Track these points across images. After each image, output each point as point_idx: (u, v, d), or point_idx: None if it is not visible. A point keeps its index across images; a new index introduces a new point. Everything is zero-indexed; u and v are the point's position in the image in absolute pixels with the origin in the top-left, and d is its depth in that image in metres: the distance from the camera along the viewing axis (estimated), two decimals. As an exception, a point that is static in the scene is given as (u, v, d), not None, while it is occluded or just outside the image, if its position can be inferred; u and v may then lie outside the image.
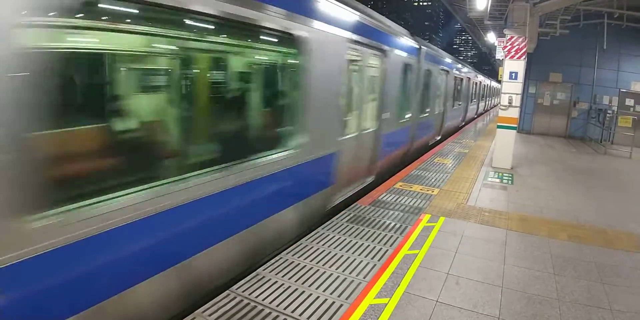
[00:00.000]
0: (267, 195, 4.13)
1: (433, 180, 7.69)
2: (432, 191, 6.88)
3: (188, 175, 3.08)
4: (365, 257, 4.24)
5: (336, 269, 3.94)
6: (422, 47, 9.67)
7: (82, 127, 2.66)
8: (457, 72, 15.18)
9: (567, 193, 7.41)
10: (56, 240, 2.18)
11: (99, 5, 2.53)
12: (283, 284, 3.60)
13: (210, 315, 3.07)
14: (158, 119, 3.25)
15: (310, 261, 4.08)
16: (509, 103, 9.14)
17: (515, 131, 9.34)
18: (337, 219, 5.34)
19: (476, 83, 22.21)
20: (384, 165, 7.85)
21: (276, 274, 3.77)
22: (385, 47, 6.99)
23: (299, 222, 4.87)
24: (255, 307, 3.22)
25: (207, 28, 3.33)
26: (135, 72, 3.10)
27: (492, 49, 21.25)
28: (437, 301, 3.46)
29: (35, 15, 2.03)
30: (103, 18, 2.57)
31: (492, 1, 10.51)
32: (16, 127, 1.99)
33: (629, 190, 8.15)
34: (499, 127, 9.37)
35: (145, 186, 2.77)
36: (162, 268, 2.94)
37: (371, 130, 6.91)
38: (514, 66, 9.07)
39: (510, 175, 8.59)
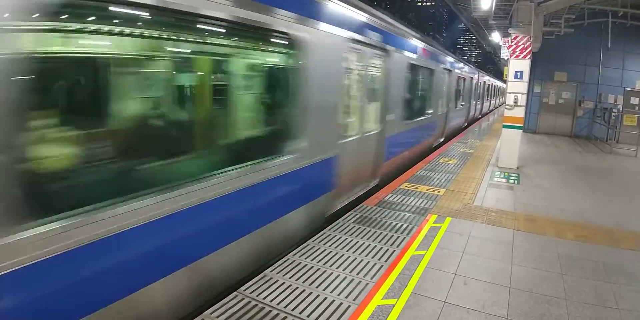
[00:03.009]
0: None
1: (439, 180, 7.69)
2: (438, 191, 6.88)
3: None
4: (372, 257, 4.25)
5: (343, 270, 3.95)
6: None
7: None
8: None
9: (574, 192, 7.39)
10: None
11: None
12: (290, 285, 3.61)
13: (218, 316, 3.09)
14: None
15: (317, 262, 4.09)
16: (515, 102, 9.13)
17: (521, 131, 9.31)
18: (343, 220, 5.35)
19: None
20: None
21: (283, 275, 3.79)
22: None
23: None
24: (263, 308, 3.23)
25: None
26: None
27: (496, 48, 21.23)
28: (444, 302, 3.46)
29: None
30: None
31: (496, 1, 10.50)
32: None
33: (635, 189, 8.11)
34: (504, 126, 9.35)
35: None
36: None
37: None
38: (519, 65, 9.05)
39: (516, 175, 8.57)
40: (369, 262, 4.15)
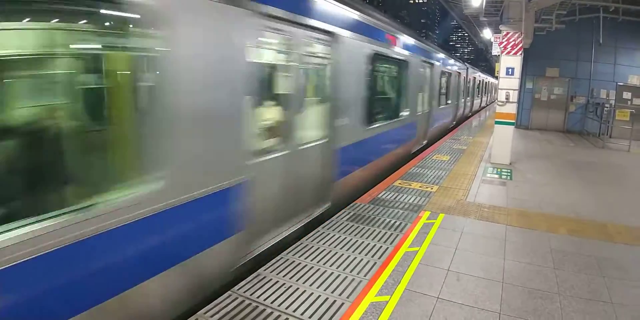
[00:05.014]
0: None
1: (432, 177, 7.70)
2: (431, 188, 6.89)
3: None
4: (366, 255, 4.25)
5: (337, 268, 3.95)
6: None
7: None
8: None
9: (566, 187, 7.42)
10: None
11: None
12: (284, 284, 3.61)
13: (212, 316, 3.08)
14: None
15: (311, 260, 4.09)
16: (506, 99, 9.16)
17: (513, 127, 9.36)
18: (337, 217, 5.34)
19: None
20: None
21: (277, 274, 3.78)
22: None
23: None
24: (257, 307, 3.23)
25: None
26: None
27: (488, 45, 21.28)
28: (438, 298, 3.46)
29: None
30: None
31: (487, -3, 10.54)
32: None
33: (628, 183, 8.16)
34: (496, 123, 9.39)
35: None
36: None
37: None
38: (510, 62, 9.09)
39: (509, 170, 8.60)
40: (362, 259, 4.15)
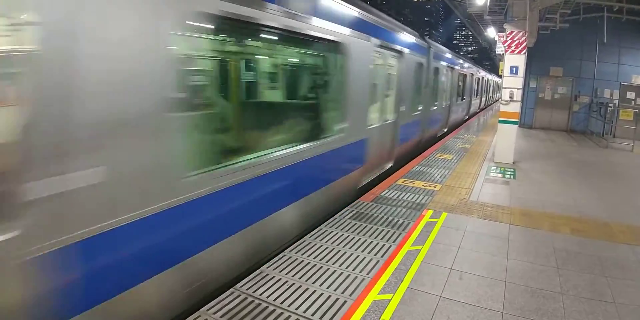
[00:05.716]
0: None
1: (435, 176, 7.70)
2: (435, 187, 6.89)
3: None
4: (369, 253, 4.25)
5: (339, 266, 3.95)
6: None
7: None
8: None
9: (570, 187, 7.40)
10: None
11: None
12: (287, 282, 3.61)
13: (215, 313, 3.08)
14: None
15: (314, 258, 4.09)
16: (510, 98, 9.14)
17: (516, 126, 9.35)
18: (339, 215, 5.34)
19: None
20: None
21: (280, 272, 3.79)
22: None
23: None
24: (260, 304, 3.23)
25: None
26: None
27: (492, 43, 21.18)
28: (440, 296, 3.46)
29: None
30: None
31: (491, -4, 10.49)
32: None
33: (631, 183, 8.13)
34: (500, 122, 9.37)
35: None
36: None
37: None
38: (514, 61, 9.06)
39: (512, 170, 8.59)
40: (365, 257, 4.15)
